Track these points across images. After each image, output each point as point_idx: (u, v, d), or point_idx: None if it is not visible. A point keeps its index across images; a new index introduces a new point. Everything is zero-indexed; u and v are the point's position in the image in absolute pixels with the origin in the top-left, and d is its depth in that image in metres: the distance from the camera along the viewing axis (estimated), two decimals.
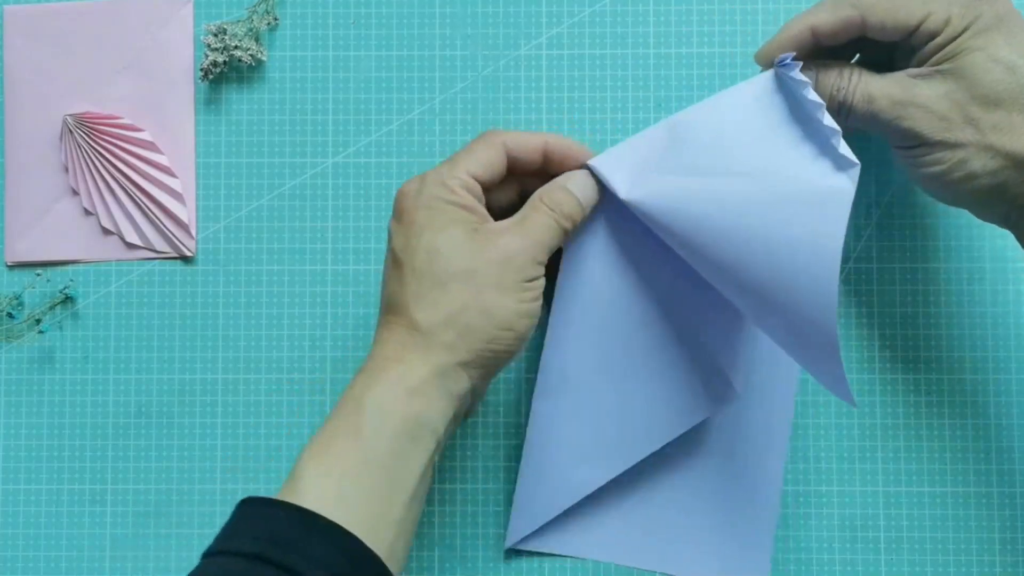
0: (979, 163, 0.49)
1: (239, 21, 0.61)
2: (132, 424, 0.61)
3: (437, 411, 0.49)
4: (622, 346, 0.56)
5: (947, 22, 0.49)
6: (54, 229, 0.62)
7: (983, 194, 0.50)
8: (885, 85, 0.50)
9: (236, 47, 0.60)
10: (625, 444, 0.57)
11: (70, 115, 0.61)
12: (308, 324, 0.61)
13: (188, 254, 0.61)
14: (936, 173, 0.50)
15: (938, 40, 0.50)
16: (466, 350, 0.49)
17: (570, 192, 0.52)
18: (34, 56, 0.62)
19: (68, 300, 0.61)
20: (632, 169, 0.53)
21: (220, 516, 0.60)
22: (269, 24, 0.61)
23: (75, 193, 0.62)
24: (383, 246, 0.61)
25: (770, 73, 0.53)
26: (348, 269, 0.61)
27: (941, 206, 0.59)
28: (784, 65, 0.52)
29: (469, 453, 0.60)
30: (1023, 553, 0.59)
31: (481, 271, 0.49)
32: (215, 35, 0.60)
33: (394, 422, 0.48)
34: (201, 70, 0.61)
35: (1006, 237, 0.59)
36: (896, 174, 0.60)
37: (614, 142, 0.60)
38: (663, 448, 0.57)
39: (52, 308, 0.61)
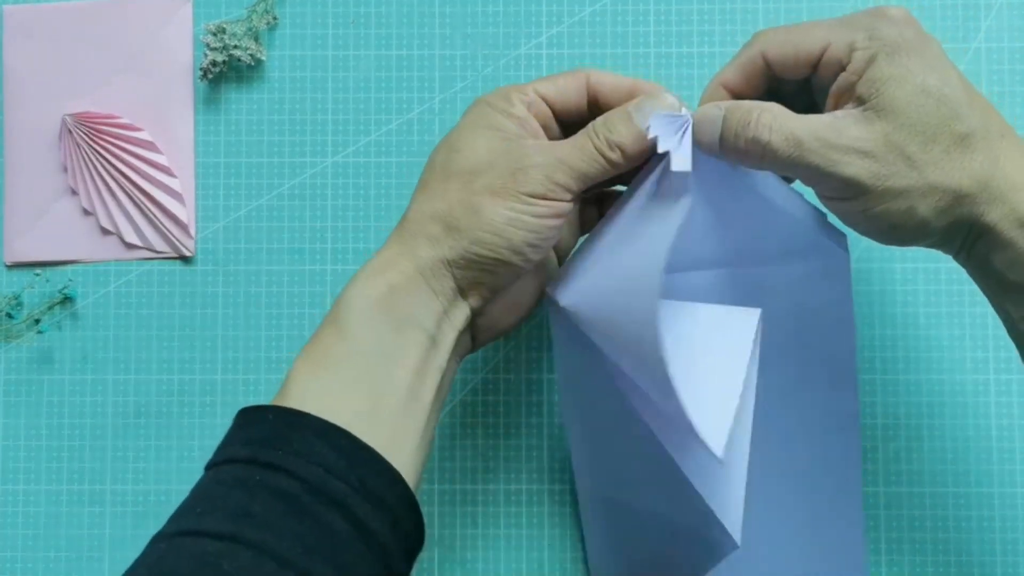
0: (925, 207, 0.45)
1: (238, 21, 0.61)
2: (131, 424, 0.61)
3: (421, 305, 0.47)
4: (632, 485, 0.54)
5: (851, 48, 0.45)
6: (53, 229, 0.61)
7: (935, 236, 0.46)
8: (811, 125, 0.45)
9: (235, 47, 0.60)
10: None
11: (69, 115, 0.61)
12: (307, 324, 0.61)
13: (187, 254, 0.61)
14: (884, 226, 0.46)
15: (850, 70, 0.45)
16: (449, 247, 0.47)
17: (629, 118, 0.48)
18: (34, 56, 0.62)
19: (67, 300, 0.61)
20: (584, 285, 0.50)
21: None
22: (268, 23, 0.61)
23: (74, 193, 0.61)
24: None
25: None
26: (348, 269, 0.61)
27: None
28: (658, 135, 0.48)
29: (469, 453, 0.60)
30: (1023, 554, 0.59)
31: (485, 173, 0.47)
32: (214, 34, 0.60)
33: (373, 314, 0.47)
34: (200, 70, 0.61)
35: None
36: None
37: None
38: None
39: (51, 308, 0.61)
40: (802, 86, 0.49)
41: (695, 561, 0.52)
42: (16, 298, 0.61)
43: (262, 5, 0.61)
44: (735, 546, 0.50)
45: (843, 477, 0.56)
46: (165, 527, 0.45)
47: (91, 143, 0.61)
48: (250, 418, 0.46)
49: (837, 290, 0.52)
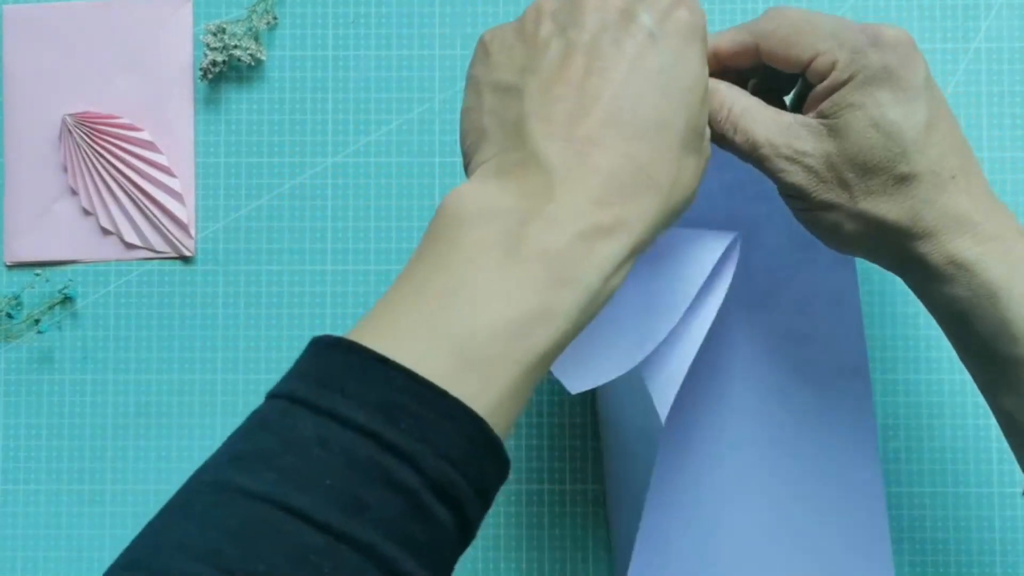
0: (851, 226, 0.46)
1: (238, 21, 0.61)
2: (131, 424, 0.61)
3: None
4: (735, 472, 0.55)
5: (832, 66, 0.45)
6: (53, 229, 0.62)
7: (863, 251, 0.48)
8: (770, 130, 0.46)
9: (235, 47, 0.60)
10: (734, 566, 0.56)
11: (69, 115, 0.61)
12: (307, 324, 0.61)
13: (187, 254, 0.61)
14: (816, 232, 0.48)
15: (823, 85, 0.46)
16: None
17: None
18: (33, 56, 0.62)
19: (67, 300, 0.61)
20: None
21: None
22: (268, 23, 0.61)
23: (74, 193, 0.62)
24: (383, 246, 0.61)
25: None
26: (347, 269, 0.61)
27: None
28: None
29: None
30: (1023, 554, 0.59)
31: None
32: (214, 34, 0.60)
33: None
34: (200, 70, 0.61)
35: None
36: None
37: None
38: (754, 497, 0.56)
39: (51, 308, 0.61)
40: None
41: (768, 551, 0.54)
42: (16, 298, 0.61)
43: (262, 5, 0.61)
44: None
45: (861, 468, 0.57)
46: (240, 469, 0.35)
47: (91, 143, 0.61)
48: (374, 372, 0.36)
49: (843, 279, 0.53)
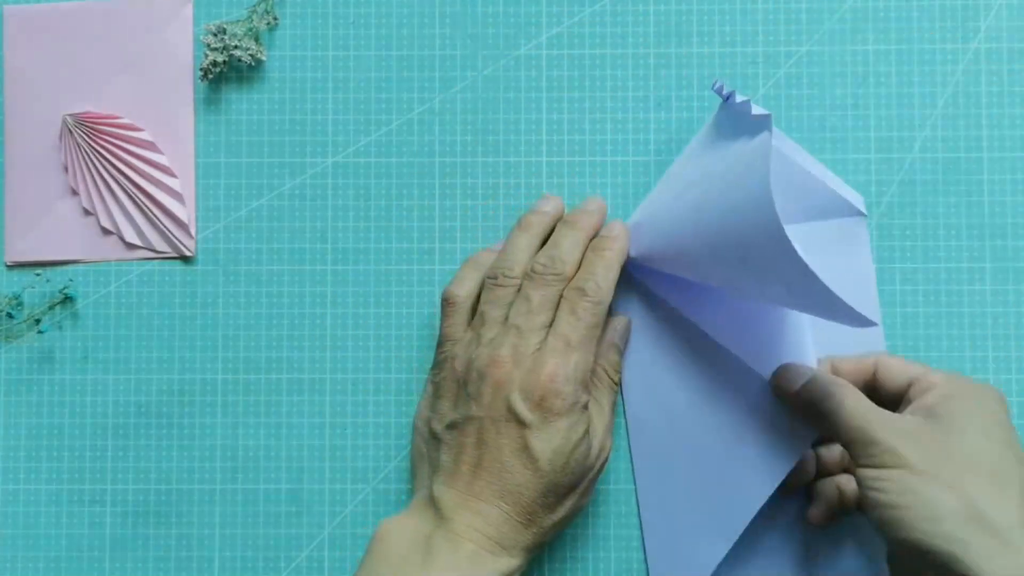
0: (946, 503, 0.47)
1: (239, 21, 0.61)
2: (132, 424, 0.61)
3: None
4: (701, 412, 0.57)
5: (941, 384, 0.51)
6: (54, 229, 0.62)
7: (937, 540, 0.47)
8: (882, 409, 0.51)
9: (236, 47, 0.60)
10: (734, 506, 0.57)
11: (70, 115, 0.61)
12: (308, 324, 0.61)
13: (188, 254, 0.61)
14: (897, 503, 0.48)
15: (929, 394, 0.51)
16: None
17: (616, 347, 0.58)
18: (34, 56, 0.62)
19: (68, 300, 0.61)
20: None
21: (220, 516, 0.60)
22: (269, 24, 0.61)
23: (75, 193, 0.62)
24: (383, 246, 0.61)
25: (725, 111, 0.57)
26: (348, 269, 0.61)
27: (942, 207, 0.59)
28: (728, 96, 0.56)
29: None
30: None
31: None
32: (215, 35, 0.60)
33: None
34: (201, 70, 0.61)
35: (1006, 237, 0.59)
36: (895, 175, 0.60)
37: (614, 142, 0.60)
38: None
39: (52, 308, 0.61)
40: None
41: (761, 477, 0.56)
42: (17, 298, 0.61)
43: (262, 5, 0.61)
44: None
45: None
46: None
47: (92, 143, 0.61)
48: None
49: (856, 252, 0.54)
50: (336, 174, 0.61)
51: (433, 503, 0.52)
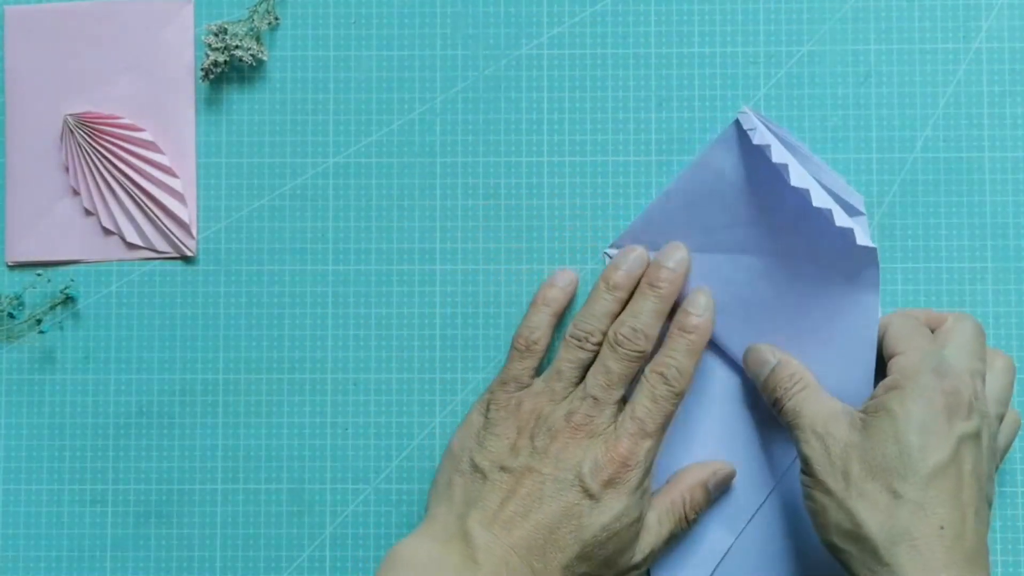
0: (835, 516, 0.50)
1: (240, 21, 0.61)
2: (133, 424, 0.61)
3: None
4: (705, 400, 0.59)
5: (900, 368, 0.52)
6: (55, 229, 0.62)
7: (838, 547, 0.50)
8: (816, 411, 0.53)
9: (237, 47, 0.60)
10: (739, 496, 0.58)
11: (71, 115, 0.61)
12: (309, 324, 0.61)
13: (189, 254, 0.61)
14: (808, 508, 0.52)
15: (882, 382, 0.52)
16: None
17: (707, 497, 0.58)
18: (34, 56, 0.62)
19: (69, 300, 0.61)
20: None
21: (221, 516, 0.60)
22: (270, 24, 0.61)
23: (76, 193, 0.62)
24: (384, 246, 0.61)
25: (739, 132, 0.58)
26: (349, 269, 0.61)
27: (943, 207, 0.59)
28: (749, 129, 0.57)
29: None
30: (1023, 554, 0.59)
31: None
32: (216, 35, 0.60)
33: None
34: (202, 70, 0.61)
35: (1008, 237, 0.59)
36: (896, 174, 0.60)
37: (615, 142, 0.60)
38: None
39: (53, 308, 0.61)
40: None
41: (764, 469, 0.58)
42: (18, 298, 0.61)
43: (263, 5, 0.61)
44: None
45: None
46: None
47: (92, 143, 0.61)
48: None
49: (863, 299, 0.55)
50: (337, 174, 0.61)
51: (464, 537, 0.52)
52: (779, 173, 0.55)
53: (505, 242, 0.60)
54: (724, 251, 0.58)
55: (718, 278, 0.58)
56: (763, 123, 0.57)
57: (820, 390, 0.54)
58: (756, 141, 0.56)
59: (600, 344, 0.56)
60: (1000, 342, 0.59)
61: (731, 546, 0.58)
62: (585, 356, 0.56)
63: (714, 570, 0.58)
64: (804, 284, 0.56)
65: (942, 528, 0.48)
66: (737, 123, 0.58)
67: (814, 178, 0.56)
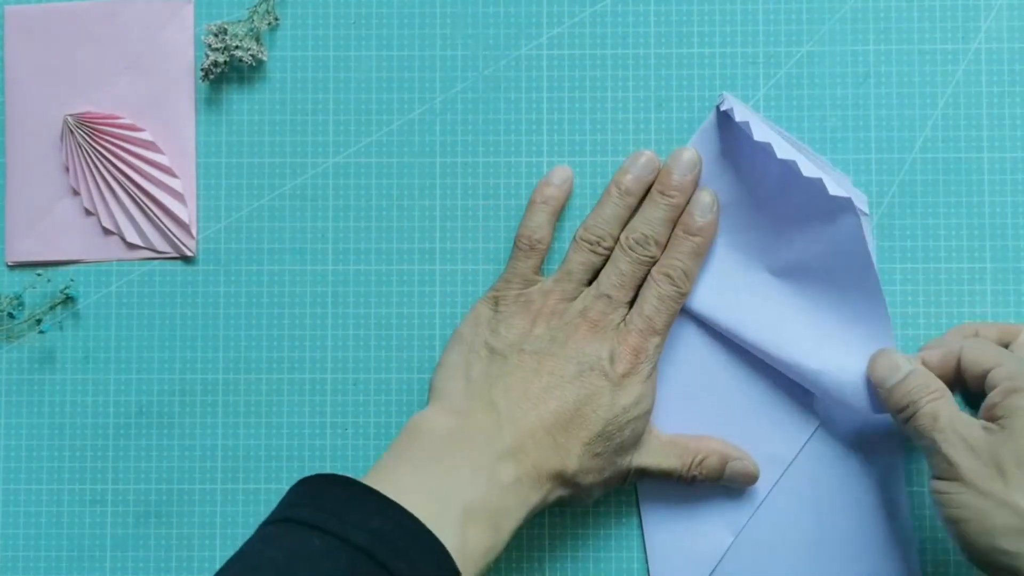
0: (1000, 519, 0.48)
1: (240, 21, 0.61)
2: (133, 424, 0.61)
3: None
4: (704, 400, 0.59)
5: (1009, 375, 0.51)
6: (55, 229, 0.62)
7: (993, 551, 0.49)
8: (955, 418, 0.51)
9: (237, 47, 0.60)
10: (738, 495, 0.58)
11: (71, 115, 0.61)
12: (309, 324, 0.61)
13: (189, 254, 0.61)
14: (956, 517, 0.50)
15: (995, 392, 0.51)
16: None
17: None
18: (34, 56, 0.62)
19: (69, 300, 0.61)
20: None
21: (220, 516, 0.60)
22: (270, 24, 0.61)
23: (76, 193, 0.62)
24: (384, 246, 0.61)
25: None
26: (349, 269, 0.61)
27: (942, 207, 0.60)
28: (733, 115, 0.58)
29: None
30: None
31: None
32: (216, 35, 0.60)
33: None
34: (202, 70, 0.61)
35: (1006, 238, 0.59)
36: (895, 175, 0.60)
37: (614, 142, 0.60)
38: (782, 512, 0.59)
39: (53, 308, 0.61)
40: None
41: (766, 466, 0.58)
42: (18, 298, 0.61)
43: (263, 6, 0.61)
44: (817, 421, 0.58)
45: (886, 449, 0.59)
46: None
47: (93, 143, 0.61)
48: (310, 486, 0.51)
49: (857, 252, 0.56)
50: (337, 174, 0.61)
51: (490, 407, 0.54)
52: (761, 150, 0.56)
53: (505, 242, 0.60)
54: (719, 233, 0.59)
55: (712, 259, 0.58)
56: (744, 108, 0.58)
57: (953, 401, 0.53)
58: (738, 118, 0.57)
59: (611, 248, 0.58)
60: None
61: (731, 546, 0.58)
62: (596, 259, 0.58)
63: (714, 570, 0.58)
64: (799, 255, 0.57)
65: None
66: (717, 109, 0.58)
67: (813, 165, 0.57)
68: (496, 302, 0.58)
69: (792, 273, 0.57)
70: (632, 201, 0.58)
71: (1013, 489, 0.48)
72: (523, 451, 0.53)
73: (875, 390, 0.55)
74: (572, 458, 0.54)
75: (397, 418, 0.60)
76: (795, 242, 0.57)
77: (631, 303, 0.57)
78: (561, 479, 0.54)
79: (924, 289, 0.59)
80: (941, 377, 0.54)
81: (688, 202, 0.58)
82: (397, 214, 0.61)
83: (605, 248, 0.58)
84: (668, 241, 0.58)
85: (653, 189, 0.58)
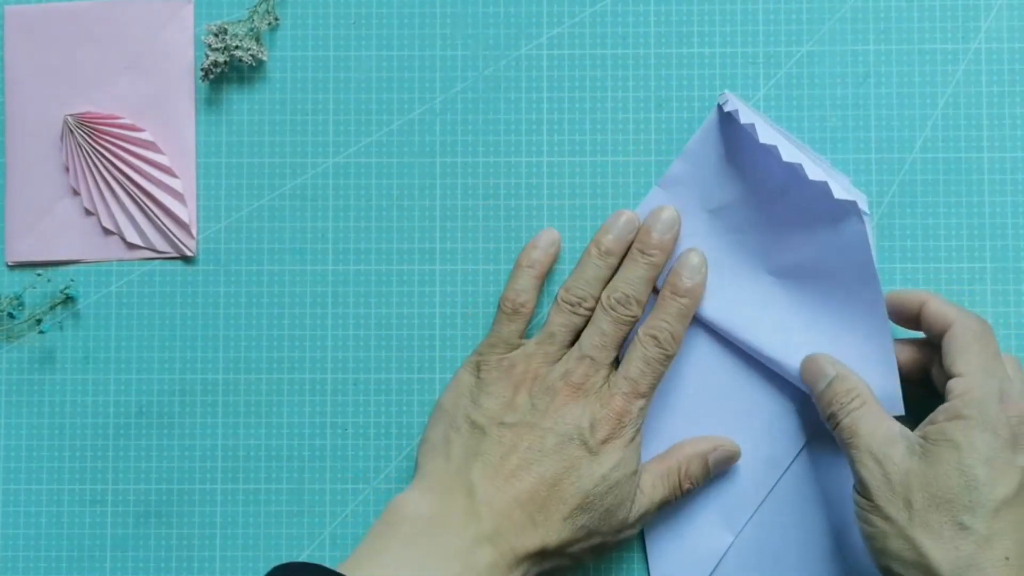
0: (895, 545, 0.50)
1: (240, 21, 0.61)
2: (133, 424, 0.61)
3: None
4: (703, 399, 0.59)
5: (963, 393, 0.51)
6: (55, 229, 0.62)
7: (888, 571, 0.50)
8: (874, 430, 0.52)
9: (237, 47, 0.60)
10: (738, 495, 0.58)
11: (71, 115, 0.61)
12: (308, 324, 0.61)
13: (189, 254, 0.61)
14: (863, 533, 0.52)
15: (944, 407, 0.51)
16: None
17: (707, 468, 0.58)
18: (34, 56, 0.62)
19: (69, 300, 0.61)
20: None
21: (220, 516, 0.60)
22: (270, 24, 0.61)
23: (76, 193, 0.62)
24: (384, 246, 0.61)
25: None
26: (349, 269, 0.61)
27: (942, 207, 0.60)
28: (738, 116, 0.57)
29: None
30: None
31: None
32: (216, 35, 0.60)
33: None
34: (202, 70, 0.61)
35: (1007, 238, 0.59)
36: (895, 175, 0.60)
37: (614, 142, 0.60)
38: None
39: (53, 308, 0.61)
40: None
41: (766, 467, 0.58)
42: (18, 298, 0.61)
43: (263, 6, 0.61)
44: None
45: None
46: None
47: (93, 143, 0.61)
48: (293, 574, 0.51)
49: (860, 256, 0.55)
50: (337, 174, 0.61)
51: (467, 490, 0.54)
52: (765, 151, 0.56)
53: (505, 242, 0.60)
54: (719, 234, 0.58)
55: (711, 260, 0.58)
56: (748, 108, 0.58)
57: (878, 408, 0.53)
58: (743, 120, 0.56)
59: (592, 309, 0.57)
60: (999, 342, 0.59)
61: (731, 545, 0.58)
62: (578, 320, 0.57)
63: (714, 570, 0.58)
64: (800, 257, 0.57)
65: (1007, 559, 0.48)
66: (719, 108, 0.58)
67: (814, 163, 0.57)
68: (478, 367, 0.57)
69: (792, 275, 0.57)
70: (613, 261, 0.58)
71: (916, 526, 0.49)
72: (500, 534, 0.53)
73: (815, 399, 0.55)
74: (552, 533, 0.53)
75: (397, 418, 0.60)
76: (797, 244, 0.57)
77: (614, 363, 0.57)
78: (543, 555, 0.54)
79: (924, 289, 0.59)
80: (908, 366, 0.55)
81: (667, 261, 0.58)
82: (397, 214, 0.61)
83: (586, 309, 0.57)
84: (648, 300, 0.57)
85: (633, 248, 0.58)
